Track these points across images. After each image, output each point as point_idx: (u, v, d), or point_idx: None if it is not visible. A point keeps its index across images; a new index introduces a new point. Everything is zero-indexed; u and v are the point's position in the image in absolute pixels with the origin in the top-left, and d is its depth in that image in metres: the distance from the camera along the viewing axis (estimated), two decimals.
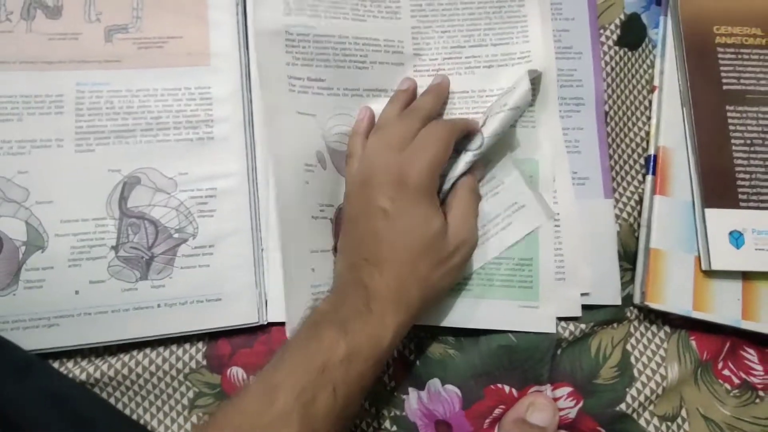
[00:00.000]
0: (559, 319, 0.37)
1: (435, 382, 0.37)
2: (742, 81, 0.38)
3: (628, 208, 0.39)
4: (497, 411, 0.36)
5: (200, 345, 0.36)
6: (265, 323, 0.37)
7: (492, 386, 0.36)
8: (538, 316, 0.36)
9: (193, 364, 0.36)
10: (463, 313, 0.37)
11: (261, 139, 0.38)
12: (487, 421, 0.36)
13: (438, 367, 0.37)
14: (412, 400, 0.37)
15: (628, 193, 0.39)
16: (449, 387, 0.37)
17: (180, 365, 0.36)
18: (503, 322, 0.36)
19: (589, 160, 0.39)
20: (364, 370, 0.29)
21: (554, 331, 0.36)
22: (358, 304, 0.30)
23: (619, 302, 0.37)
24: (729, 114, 0.38)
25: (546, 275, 0.37)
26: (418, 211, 0.32)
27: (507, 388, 0.36)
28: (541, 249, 0.37)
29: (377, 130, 0.36)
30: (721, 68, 0.38)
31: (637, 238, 0.38)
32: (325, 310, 0.31)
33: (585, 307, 0.37)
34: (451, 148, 0.34)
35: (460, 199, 0.35)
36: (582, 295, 0.37)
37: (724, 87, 0.38)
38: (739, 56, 0.38)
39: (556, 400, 0.36)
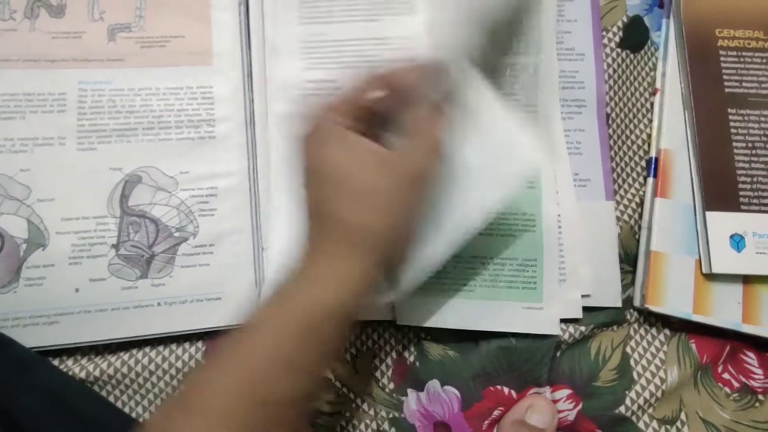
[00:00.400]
0: (560, 320, 0.37)
1: (434, 383, 0.37)
2: (744, 84, 0.38)
3: (629, 211, 0.39)
4: (496, 412, 0.36)
5: (200, 344, 0.36)
6: None
7: (491, 387, 0.36)
8: (543, 317, 0.36)
9: (192, 363, 0.36)
10: (467, 316, 0.36)
11: (264, 139, 0.39)
12: (486, 422, 0.36)
13: (437, 368, 0.37)
14: (411, 402, 0.37)
15: (629, 196, 0.39)
16: (448, 388, 0.37)
17: (179, 364, 0.36)
18: (507, 324, 0.36)
19: (590, 162, 0.39)
20: (331, 331, 0.26)
21: (558, 333, 0.36)
22: (299, 266, 0.28)
23: (619, 304, 0.37)
24: (731, 117, 0.38)
25: (550, 276, 0.37)
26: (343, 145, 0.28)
27: (506, 390, 0.36)
28: (545, 249, 0.37)
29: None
30: (723, 71, 0.38)
31: (638, 241, 0.38)
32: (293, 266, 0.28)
33: (585, 309, 0.37)
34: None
35: (418, 142, 0.29)
36: (582, 296, 0.37)
37: (726, 90, 0.38)
38: (741, 59, 0.38)
39: (555, 401, 0.36)
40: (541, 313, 0.36)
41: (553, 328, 0.36)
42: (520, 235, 0.37)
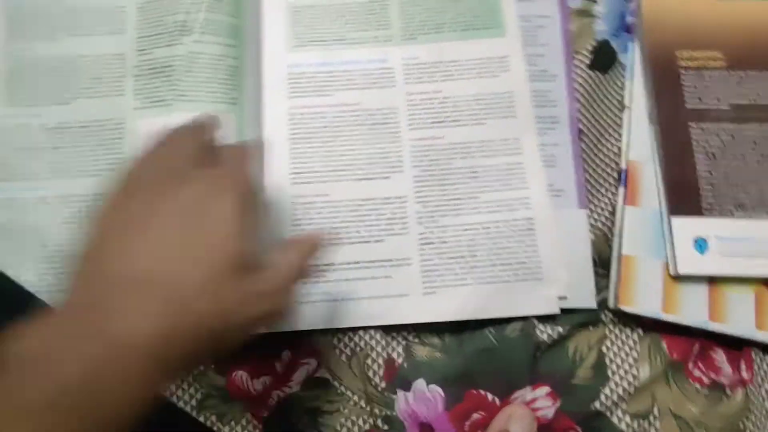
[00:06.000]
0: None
1: (420, 383, 0.38)
2: (704, 100, 0.41)
3: (603, 219, 0.42)
4: (475, 415, 0.38)
5: None
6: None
7: (473, 390, 0.38)
8: (542, 296, 0.39)
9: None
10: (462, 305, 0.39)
11: None
12: (467, 423, 0.38)
13: (424, 367, 0.39)
14: (401, 401, 0.38)
15: (602, 205, 0.42)
16: (433, 387, 0.38)
17: None
18: (512, 309, 0.39)
19: (564, 174, 0.42)
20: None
21: (557, 311, 0.39)
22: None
23: (594, 305, 0.39)
24: (692, 130, 0.40)
25: (548, 260, 0.40)
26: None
27: (490, 396, 0.38)
28: (541, 250, 0.40)
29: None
30: (684, 89, 0.41)
31: (611, 246, 0.41)
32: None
33: (563, 311, 0.39)
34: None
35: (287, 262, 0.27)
36: (560, 298, 0.39)
37: (687, 106, 0.41)
38: (701, 77, 0.42)
39: (535, 399, 0.38)
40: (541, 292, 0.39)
41: (553, 307, 0.39)
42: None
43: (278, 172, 0.42)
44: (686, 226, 0.38)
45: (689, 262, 0.38)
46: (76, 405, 0.19)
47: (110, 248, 0.22)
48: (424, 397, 0.38)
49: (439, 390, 0.38)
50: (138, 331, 0.20)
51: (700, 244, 0.38)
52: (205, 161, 0.26)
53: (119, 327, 0.20)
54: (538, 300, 0.39)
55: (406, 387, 0.39)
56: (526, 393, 0.38)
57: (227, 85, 0.43)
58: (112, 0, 0.45)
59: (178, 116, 0.42)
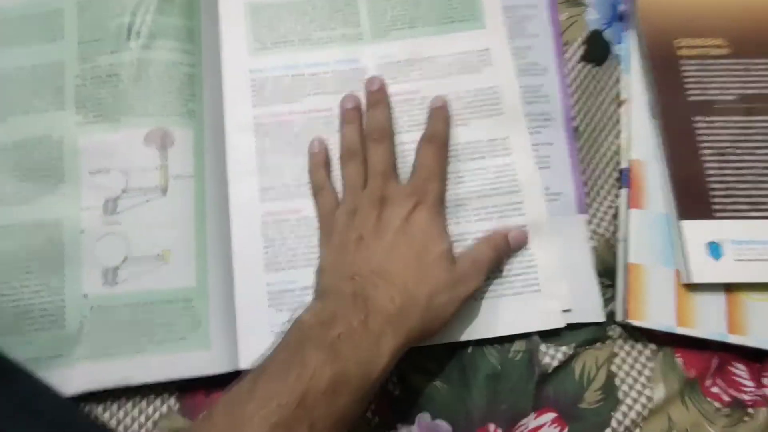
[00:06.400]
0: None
1: (424, 416, 0.35)
2: (707, 91, 0.38)
3: (605, 224, 0.38)
4: None
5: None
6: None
7: (484, 427, 0.35)
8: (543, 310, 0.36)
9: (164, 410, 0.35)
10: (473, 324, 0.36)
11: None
12: None
13: (425, 400, 0.35)
14: None
15: (603, 208, 0.39)
16: (440, 422, 0.35)
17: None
18: (512, 327, 0.36)
19: (560, 176, 0.38)
20: (349, 403, 0.26)
21: (563, 324, 0.36)
22: (353, 320, 0.28)
23: (602, 318, 0.36)
24: (698, 125, 0.37)
25: (547, 271, 0.37)
26: (432, 225, 0.33)
27: (492, 427, 0.35)
28: (539, 261, 0.37)
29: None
30: (685, 80, 0.38)
31: (615, 254, 0.37)
32: (311, 323, 0.29)
33: (568, 327, 0.36)
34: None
35: (479, 249, 0.35)
36: (564, 311, 0.36)
37: (690, 98, 0.38)
38: (704, 67, 0.38)
39: (540, 427, 0.35)
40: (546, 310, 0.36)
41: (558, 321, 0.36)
42: None
43: (245, 189, 0.37)
44: (698, 230, 0.35)
45: (703, 270, 0.34)
46: (345, 351, 0.27)
47: (353, 257, 0.32)
48: (433, 430, 0.35)
49: (448, 427, 0.35)
50: (384, 307, 0.29)
51: (714, 249, 0.35)
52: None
53: (373, 303, 0.29)
54: (540, 314, 0.36)
55: (409, 421, 0.35)
56: (530, 421, 0.35)
57: (183, 96, 0.39)
58: (47, 2, 0.40)
59: (127, 132, 0.38)
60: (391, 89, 0.39)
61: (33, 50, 0.39)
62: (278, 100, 0.39)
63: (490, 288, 0.36)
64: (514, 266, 0.37)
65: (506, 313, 0.36)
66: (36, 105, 0.38)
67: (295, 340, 0.28)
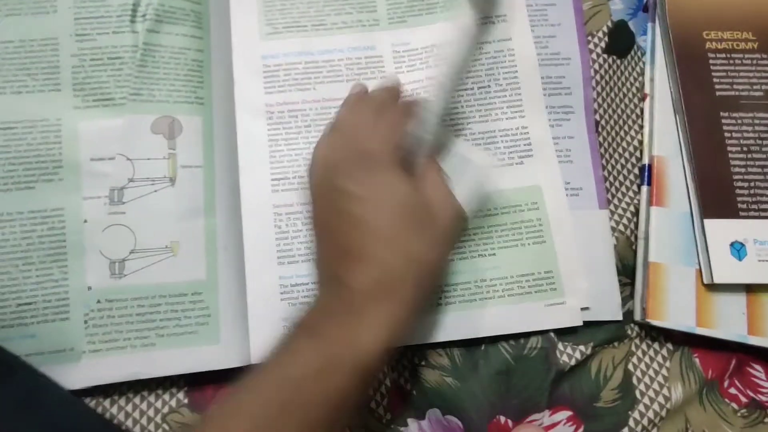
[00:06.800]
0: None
1: (435, 411, 0.34)
2: (735, 87, 0.37)
3: (624, 220, 0.37)
4: None
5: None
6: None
7: (494, 420, 0.34)
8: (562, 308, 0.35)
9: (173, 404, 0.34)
10: (482, 322, 0.35)
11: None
12: None
13: (436, 396, 0.35)
14: (413, 431, 0.34)
15: (623, 205, 0.38)
16: (450, 417, 0.34)
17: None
18: (528, 324, 0.35)
19: (581, 170, 0.37)
20: (344, 385, 0.25)
21: (580, 323, 0.35)
22: (335, 305, 0.27)
23: (620, 317, 0.35)
24: (723, 121, 0.36)
25: (566, 268, 0.35)
26: (386, 179, 0.29)
27: (502, 419, 0.34)
28: (558, 256, 0.36)
29: (331, 130, 0.34)
30: (713, 74, 0.37)
31: (635, 252, 0.37)
32: (301, 319, 0.28)
33: (585, 324, 0.35)
34: (403, 127, 0.32)
35: (432, 180, 0.31)
36: (582, 309, 0.35)
37: (717, 93, 0.37)
38: (731, 61, 0.37)
39: (554, 425, 0.34)
40: (563, 308, 0.35)
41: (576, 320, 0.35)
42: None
43: (257, 180, 0.36)
44: (721, 230, 0.34)
45: (726, 270, 0.34)
46: (331, 332, 0.26)
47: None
48: (442, 425, 0.34)
49: (458, 422, 0.34)
50: (362, 283, 0.27)
51: (738, 249, 0.34)
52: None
53: (351, 281, 0.27)
54: (558, 312, 0.35)
55: (419, 416, 0.34)
56: (544, 418, 0.34)
57: (192, 82, 0.37)
58: None
59: (131, 118, 0.36)
60: (408, 77, 0.38)
61: (20, 22, 0.37)
62: (291, 88, 0.38)
63: (508, 284, 0.35)
64: (533, 263, 0.36)
65: (523, 310, 0.35)
66: (28, 84, 0.36)
67: (286, 334, 0.28)
